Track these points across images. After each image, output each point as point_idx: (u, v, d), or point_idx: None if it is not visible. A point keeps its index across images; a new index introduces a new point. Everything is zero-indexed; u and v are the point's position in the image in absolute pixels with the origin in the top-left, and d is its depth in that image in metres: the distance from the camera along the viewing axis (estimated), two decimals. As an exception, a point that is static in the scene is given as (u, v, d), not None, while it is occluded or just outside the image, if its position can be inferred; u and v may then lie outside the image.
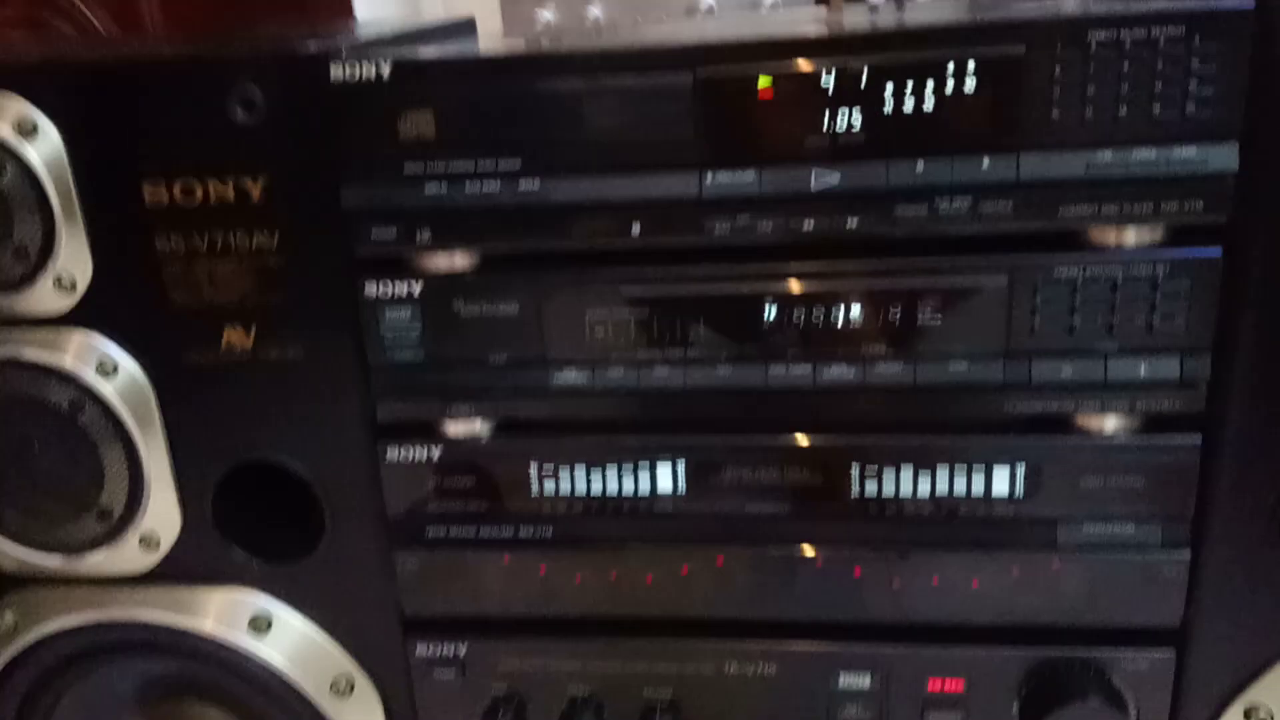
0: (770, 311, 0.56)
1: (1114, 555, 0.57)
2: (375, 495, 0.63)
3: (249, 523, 0.66)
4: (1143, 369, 0.54)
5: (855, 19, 0.64)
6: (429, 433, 0.61)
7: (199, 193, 0.57)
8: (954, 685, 0.60)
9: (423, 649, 0.65)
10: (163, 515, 0.63)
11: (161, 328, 0.60)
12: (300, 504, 0.64)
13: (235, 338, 0.60)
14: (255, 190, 0.57)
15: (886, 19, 0.60)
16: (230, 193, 0.57)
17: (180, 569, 0.65)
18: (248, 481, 0.64)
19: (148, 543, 0.64)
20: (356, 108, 0.54)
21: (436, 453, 0.61)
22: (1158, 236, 0.53)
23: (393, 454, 0.61)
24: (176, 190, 0.57)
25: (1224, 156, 0.50)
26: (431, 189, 0.55)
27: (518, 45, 0.64)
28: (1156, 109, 0.49)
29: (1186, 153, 0.50)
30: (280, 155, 0.56)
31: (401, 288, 0.58)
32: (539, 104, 0.53)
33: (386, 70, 0.53)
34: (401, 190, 0.55)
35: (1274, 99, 0.49)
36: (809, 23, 0.66)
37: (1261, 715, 0.58)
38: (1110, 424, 0.56)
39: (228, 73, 0.54)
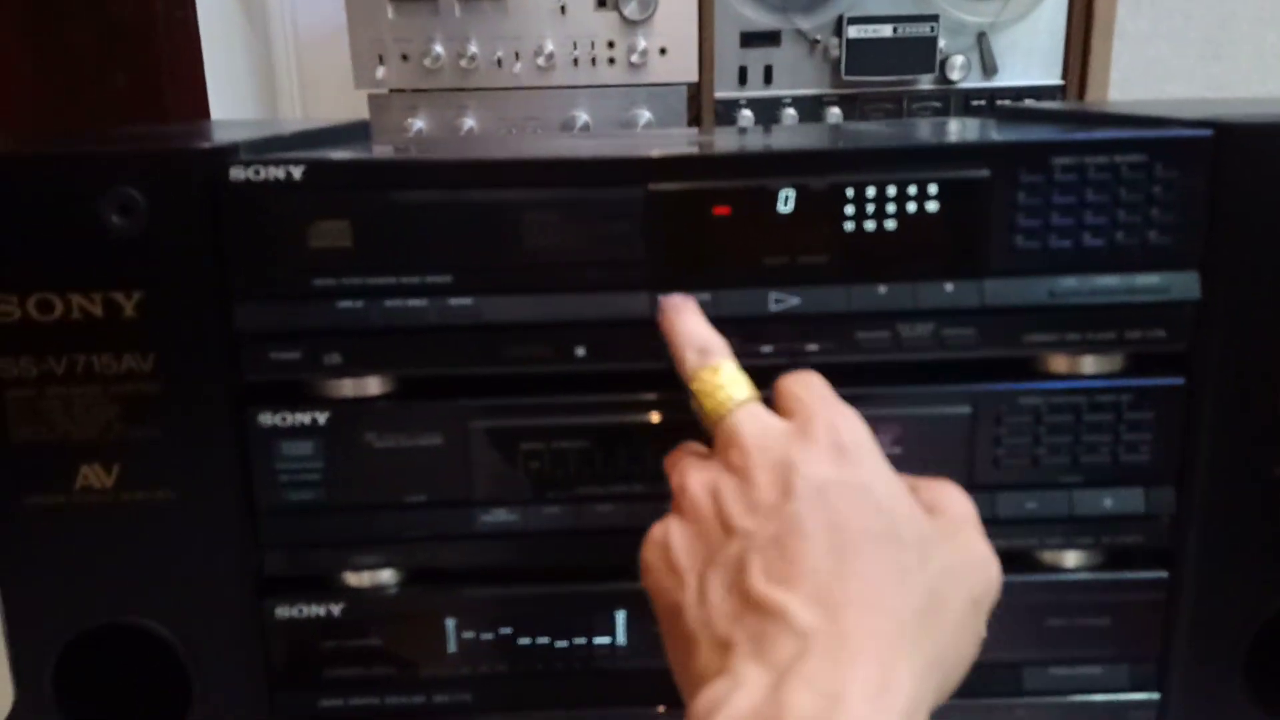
0: (723, 443, 0.51)
1: (1080, 699, 0.54)
2: (254, 661, 0.53)
3: (99, 695, 0.55)
4: (1108, 502, 0.52)
5: (738, 140, 0.62)
6: (323, 586, 0.53)
7: (59, 308, 0.48)
8: None
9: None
10: (-13, 692, 0.52)
11: (1, 464, 0.50)
12: (164, 670, 0.54)
13: (93, 477, 0.51)
14: (129, 306, 0.49)
15: (769, 141, 0.58)
16: (98, 309, 0.48)
17: (6, 758, 0.53)
18: (100, 644, 0.53)
19: (-35, 728, 0.52)
20: (258, 214, 0.48)
21: (337, 609, 0.52)
22: (1118, 365, 0.51)
23: (283, 612, 0.52)
24: (30, 305, 0.48)
25: (1185, 285, 0.49)
26: (345, 306, 0.48)
27: (449, 150, 0.59)
28: (1119, 236, 0.49)
29: (1148, 281, 0.49)
30: (161, 267, 0.48)
31: (303, 417, 0.50)
32: (475, 216, 0.48)
33: (299, 172, 0.47)
34: (309, 308, 0.48)
35: (1230, 227, 0.48)
36: (736, 138, 0.63)
37: None
38: (1074, 559, 0.53)
39: (104, 173, 0.47)
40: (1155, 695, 0.54)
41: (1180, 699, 0.54)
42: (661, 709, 0.54)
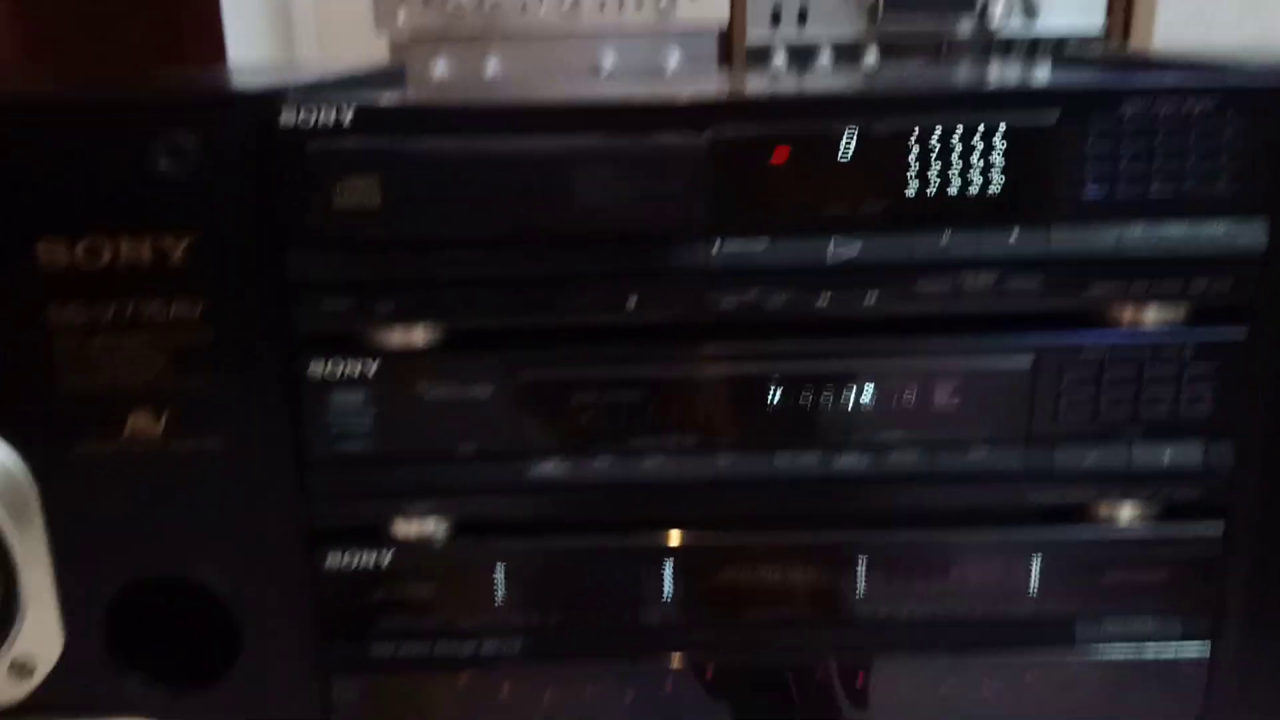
0: (776, 394, 0.50)
1: (1133, 651, 0.54)
2: (303, 611, 0.53)
3: (148, 640, 0.55)
4: (1167, 456, 0.51)
5: (790, 83, 0.61)
6: (373, 535, 0.53)
7: (107, 253, 0.48)
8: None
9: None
10: (40, 635, 0.52)
11: (49, 412, 0.50)
12: (213, 618, 0.54)
13: (142, 425, 0.50)
14: (177, 251, 0.48)
15: (799, 85, 0.57)
16: (147, 253, 0.48)
17: (60, 699, 0.53)
18: (148, 591, 0.53)
19: (20, 669, 0.53)
20: (309, 159, 0.47)
21: (387, 558, 0.52)
22: (1181, 315, 0.50)
23: (334, 560, 0.52)
24: (80, 250, 0.47)
25: (1253, 233, 0.48)
26: (396, 254, 0.48)
27: (501, 94, 0.57)
28: (1187, 184, 0.47)
29: (1216, 228, 0.48)
30: (211, 211, 0.48)
31: (354, 367, 0.49)
32: (529, 162, 0.47)
33: (349, 116, 0.46)
34: (360, 256, 0.48)
35: (1303, 176, 0.47)
36: (774, 81, 0.62)
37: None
38: (1131, 513, 0.53)
39: (154, 116, 0.46)
40: (1208, 646, 0.53)
41: (1233, 651, 0.53)
42: (708, 665, 0.54)
